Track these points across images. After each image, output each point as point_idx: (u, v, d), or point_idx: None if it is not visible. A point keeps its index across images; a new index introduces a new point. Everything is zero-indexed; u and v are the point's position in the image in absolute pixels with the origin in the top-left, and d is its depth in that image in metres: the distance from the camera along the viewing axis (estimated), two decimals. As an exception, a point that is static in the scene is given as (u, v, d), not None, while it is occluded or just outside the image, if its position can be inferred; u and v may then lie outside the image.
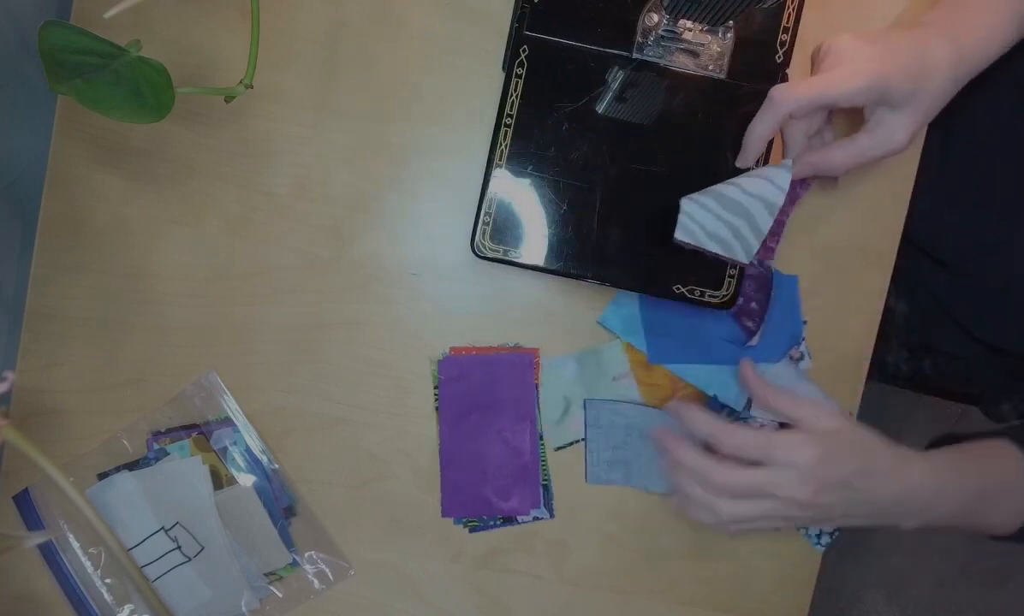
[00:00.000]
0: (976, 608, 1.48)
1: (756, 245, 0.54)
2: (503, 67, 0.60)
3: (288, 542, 0.64)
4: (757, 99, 0.56)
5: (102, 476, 0.63)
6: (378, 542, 0.65)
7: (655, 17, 0.55)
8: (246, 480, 0.63)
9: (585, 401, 0.64)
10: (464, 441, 0.64)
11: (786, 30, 0.56)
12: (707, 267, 0.56)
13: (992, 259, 0.65)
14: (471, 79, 0.62)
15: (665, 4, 0.51)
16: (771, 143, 0.56)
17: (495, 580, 0.66)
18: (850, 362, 0.64)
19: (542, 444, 0.64)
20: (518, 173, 0.56)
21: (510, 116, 0.56)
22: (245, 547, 0.63)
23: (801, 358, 0.63)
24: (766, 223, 0.53)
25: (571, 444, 0.65)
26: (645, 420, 0.64)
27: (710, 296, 0.57)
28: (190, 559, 0.63)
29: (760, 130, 0.54)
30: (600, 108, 0.57)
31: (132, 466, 0.63)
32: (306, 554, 0.64)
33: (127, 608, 0.63)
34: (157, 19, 0.60)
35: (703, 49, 0.56)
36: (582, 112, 0.56)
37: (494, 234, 0.57)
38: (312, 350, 0.63)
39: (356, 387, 0.64)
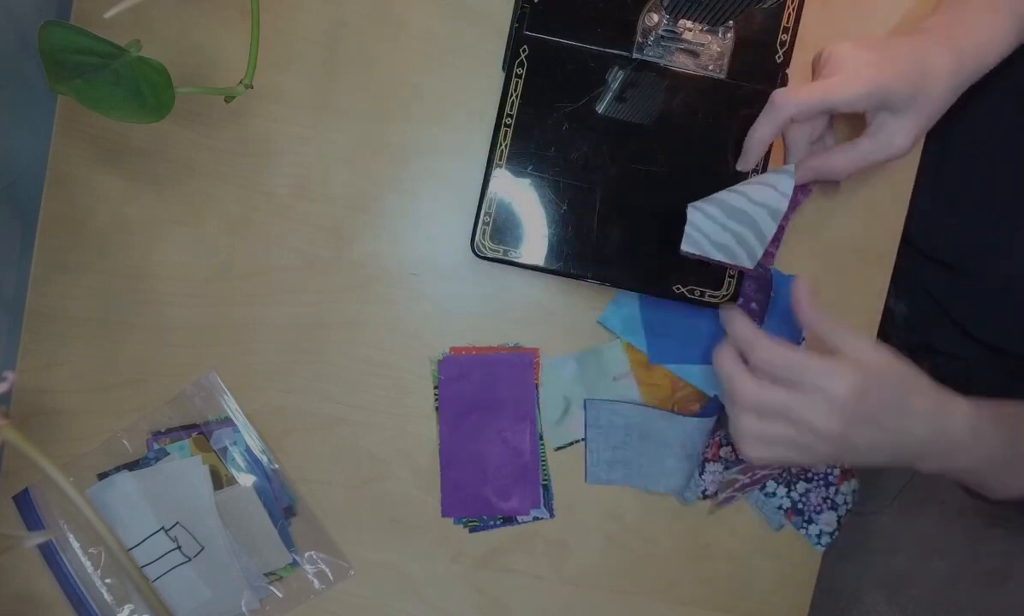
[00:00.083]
0: (976, 608, 1.48)
1: (760, 251, 0.54)
2: (503, 67, 0.60)
3: (288, 542, 0.64)
4: (757, 99, 0.56)
5: (102, 476, 0.63)
6: (378, 542, 0.65)
7: (655, 17, 0.55)
8: (246, 480, 0.63)
9: (585, 401, 0.64)
10: (464, 441, 0.64)
11: (786, 30, 0.56)
12: (707, 267, 0.56)
13: (992, 259, 0.65)
14: (471, 79, 0.62)
15: (665, 4, 0.51)
16: (771, 146, 0.56)
17: (495, 580, 0.66)
18: (850, 362, 0.64)
19: (542, 444, 0.64)
20: (518, 173, 0.56)
21: (510, 116, 0.56)
22: (245, 547, 0.63)
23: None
24: (770, 229, 0.53)
25: (571, 444, 0.65)
26: (645, 420, 0.64)
27: (710, 296, 0.57)
28: (190, 559, 0.63)
29: (761, 134, 0.54)
30: (600, 108, 0.57)
31: (132, 466, 0.63)
32: (306, 554, 0.64)
33: (127, 608, 0.63)
34: (157, 19, 0.60)
35: (703, 49, 0.56)
36: (582, 112, 0.56)
37: (494, 234, 0.57)
38: (312, 350, 0.63)
39: (356, 387, 0.64)
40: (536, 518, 0.65)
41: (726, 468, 0.63)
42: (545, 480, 0.65)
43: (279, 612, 0.65)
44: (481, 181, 0.57)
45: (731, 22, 0.55)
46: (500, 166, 0.56)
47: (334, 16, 0.61)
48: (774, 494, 0.65)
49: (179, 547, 0.63)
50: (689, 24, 0.55)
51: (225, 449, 0.63)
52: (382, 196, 0.63)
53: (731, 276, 0.57)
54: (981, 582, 1.48)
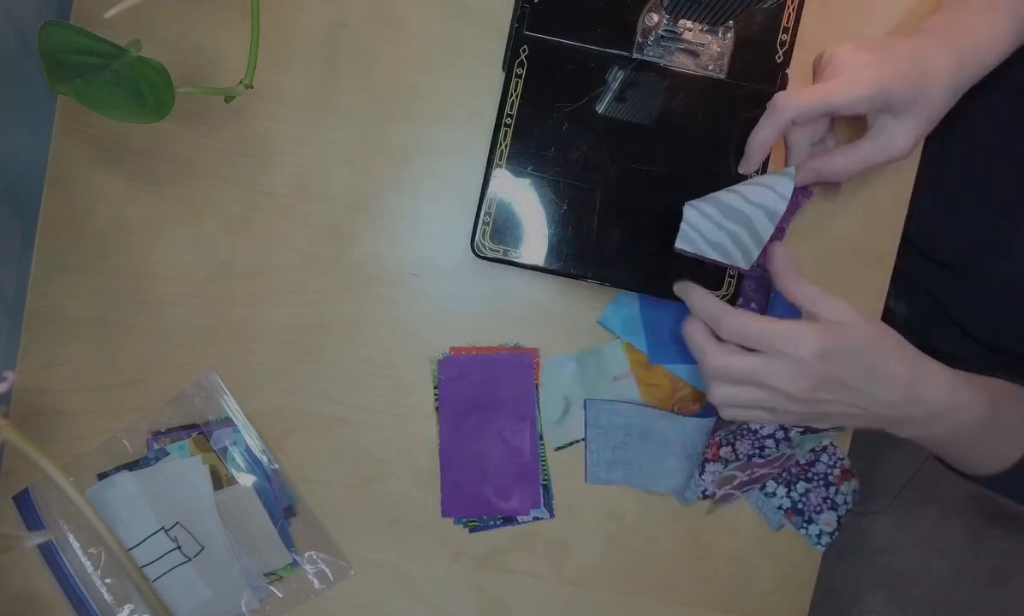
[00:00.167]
0: (976, 608, 1.48)
1: (756, 252, 0.54)
2: (503, 67, 0.60)
3: (288, 542, 0.64)
4: (757, 99, 0.56)
5: (102, 476, 0.63)
6: (378, 542, 0.65)
7: (655, 17, 0.55)
8: (246, 480, 0.63)
9: (585, 401, 0.64)
10: (464, 441, 0.64)
11: (786, 30, 0.56)
12: (707, 267, 0.56)
13: (992, 259, 0.65)
14: (471, 79, 0.62)
15: (665, 4, 0.51)
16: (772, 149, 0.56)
17: (495, 580, 0.66)
18: (850, 362, 0.64)
19: (542, 444, 0.64)
20: (518, 173, 0.56)
21: (510, 116, 0.56)
22: (245, 547, 0.63)
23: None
24: (767, 231, 0.53)
25: (571, 444, 0.65)
26: (645, 420, 0.64)
27: (710, 296, 0.57)
28: (190, 559, 0.63)
29: (762, 137, 0.54)
30: (600, 108, 0.57)
31: (132, 466, 0.63)
32: (306, 554, 0.64)
33: (127, 608, 0.63)
34: (157, 19, 0.60)
35: (703, 49, 0.56)
36: (582, 112, 0.56)
37: (494, 234, 0.57)
38: (312, 350, 0.63)
39: (356, 387, 0.64)
40: (536, 518, 0.65)
41: (726, 468, 0.63)
42: (545, 480, 0.65)
43: (279, 612, 0.65)
44: (481, 181, 0.57)
45: (731, 22, 0.55)
46: (500, 166, 0.56)
47: (334, 16, 0.61)
48: (774, 494, 0.65)
49: (179, 547, 0.63)
50: (689, 24, 0.55)
51: (225, 449, 0.63)
52: (382, 196, 0.63)
53: (731, 276, 0.57)
54: (981, 582, 1.49)
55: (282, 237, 0.62)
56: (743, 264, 0.54)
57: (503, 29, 0.61)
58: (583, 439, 0.65)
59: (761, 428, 0.62)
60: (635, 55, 0.56)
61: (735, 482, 0.64)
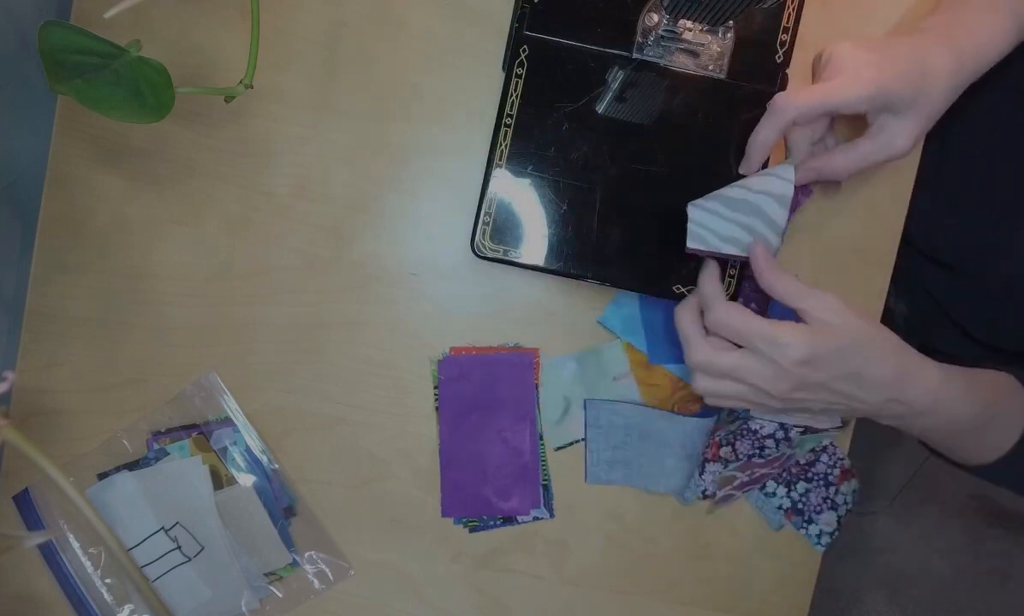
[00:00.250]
0: (976, 608, 1.48)
1: (777, 240, 0.54)
2: (503, 67, 0.60)
3: (288, 542, 0.64)
4: (757, 99, 0.56)
5: (102, 476, 0.63)
6: (378, 542, 0.65)
7: (655, 17, 0.55)
8: (246, 480, 0.63)
9: (585, 401, 0.64)
10: (464, 441, 0.64)
11: (786, 30, 0.56)
12: (703, 267, 0.56)
13: (992, 259, 0.65)
14: (471, 79, 0.62)
15: (665, 4, 0.51)
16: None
17: (495, 580, 0.66)
18: (850, 362, 0.64)
19: (542, 444, 0.64)
20: (518, 173, 0.56)
21: (510, 116, 0.56)
22: (245, 547, 0.63)
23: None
24: (781, 216, 0.53)
25: (571, 444, 0.65)
26: (645, 420, 0.64)
27: (710, 296, 0.57)
28: (190, 559, 0.63)
29: (763, 137, 0.54)
30: (600, 108, 0.57)
31: (132, 466, 0.63)
32: (306, 554, 0.64)
33: (127, 608, 0.63)
34: (157, 19, 0.60)
35: (703, 49, 0.56)
36: (582, 112, 0.56)
37: (494, 234, 0.57)
38: (312, 350, 0.63)
39: (356, 387, 0.64)
40: (536, 518, 0.65)
41: (726, 468, 0.63)
42: (545, 480, 0.65)
43: (279, 612, 0.65)
44: (481, 181, 0.57)
45: (731, 22, 0.55)
46: (500, 166, 0.56)
47: (334, 16, 0.61)
48: (774, 494, 0.65)
49: (179, 547, 0.63)
50: (689, 24, 0.55)
51: (225, 449, 0.63)
52: (382, 196, 0.63)
53: (731, 276, 0.57)
54: (981, 582, 1.48)
55: (282, 237, 0.62)
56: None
57: (503, 29, 0.61)
58: (583, 439, 0.65)
59: (761, 428, 0.62)
60: (635, 55, 0.56)
61: (735, 482, 0.64)
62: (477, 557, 0.65)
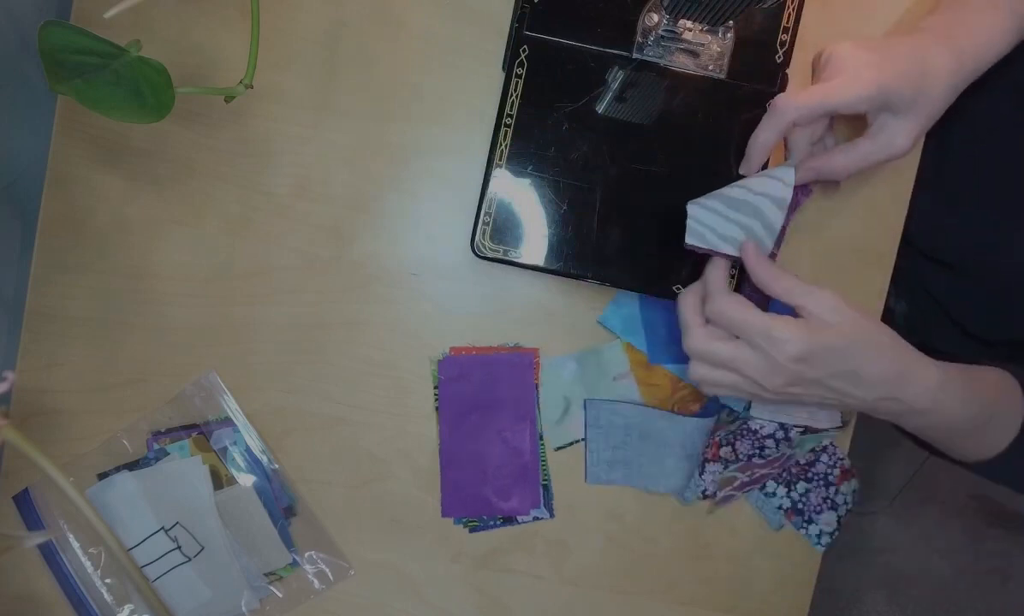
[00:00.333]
0: (976, 608, 1.48)
1: (771, 243, 0.54)
2: (503, 67, 0.60)
3: (288, 542, 0.64)
4: (757, 99, 0.56)
5: (102, 476, 0.63)
6: (378, 542, 0.65)
7: (655, 17, 0.55)
8: (246, 480, 0.63)
9: (585, 401, 0.64)
10: (464, 441, 0.64)
11: (786, 30, 0.56)
12: (704, 267, 0.56)
13: (991, 259, 0.65)
14: (471, 79, 0.62)
15: (665, 4, 0.51)
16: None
17: (495, 580, 0.66)
18: (850, 362, 0.64)
19: (542, 444, 0.64)
20: (518, 173, 0.56)
21: (510, 116, 0.56)
22: (245, 547, 0.63)
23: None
24: (778, 219, 0.53)
25: (571, 444, 0.65)
26: (645, 420, 0.64)
27: (710, 296, 0.57)
28: (190, 559, 0.63)
29: (763, 139, 0.54)
30: (600, 108, 0.57)
31: (132, 466, 0.63)
32: (306, 554, 0.64)
33: (127, 608, 0.63)
34: (157, 19, 0.60)
35: (703, 49, 0.56)
36: (582, 112, 0.56)
37: (494, 234, 0.57)
38: (312, 350, 0.63)
39: (356, 387, 0.64)
40: (536, 518, 0.65)
41: (726, 468, 0.63)
42: (545, 480, 0.65)
43: (279, 612, 0.65)
44: (481, 181, 0.57)
45: (731, 22, 0.55)
46: (500, 166, 0.56)
47: (334, 16, 0.61)
48: (774, 494, 0.65)
49: (179, 547, 0.63)
50: (689, 24, 0.55)
51: (225, 449, 0.63)
52: (382, 196, 0.63)
53: (731, 276, 0.57)
54: (981, 582, 1.48)
55: (282, 237, 0.62)
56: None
57: (503, 29, 0.61)
58: (583, 439, 0.65)
59: (761, 428, 0.62)
60: (635, 55, 0.56)
61: (735, 483, 0.64)
62: (477, 557, 0.65)
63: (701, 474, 0.63)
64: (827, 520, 0.66)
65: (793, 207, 0.62)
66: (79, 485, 0.62)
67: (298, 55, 0.61)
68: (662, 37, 0.56)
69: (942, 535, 1.47)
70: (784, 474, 0.65)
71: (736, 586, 0.66)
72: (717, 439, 0.63)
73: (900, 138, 0.53)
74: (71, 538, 0.63)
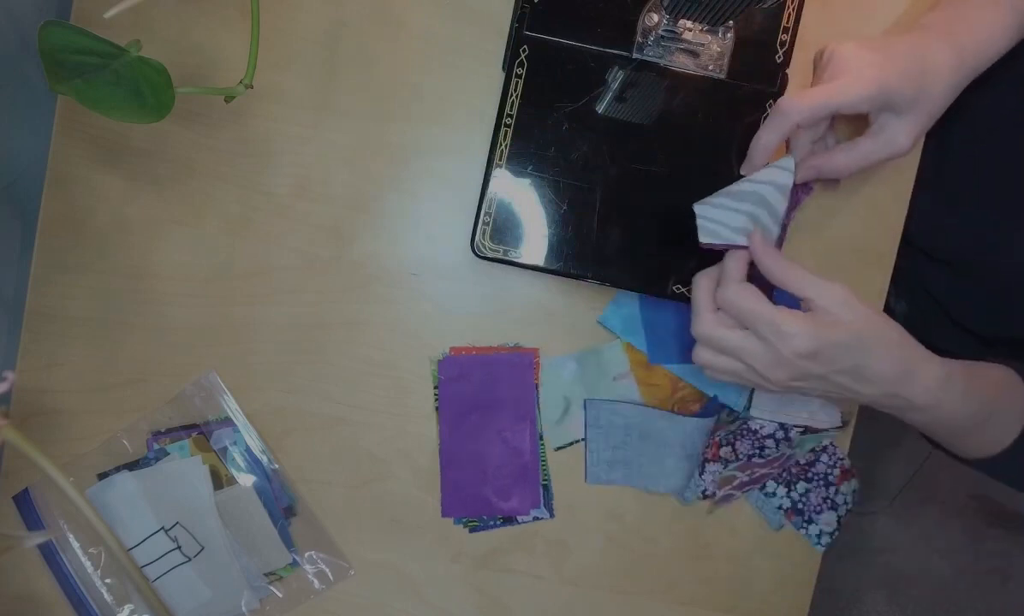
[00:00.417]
0: (976, 608, 1.48)
1: (776, 230, 0.53)
2: (503, 67, 0.60)
3: (288, 542, 0.64)
4: (757, 99, 0.56)
5: (102, 476, 0.63)
6: (378, 542, 0.65)
7: (655, 17, 0.55)
8: (246, 480, 0.63)
9: (585, 401, 0.64)
10: (464, 441, 0.64)
11: (786, 30, 0.56)
12: (705, 266, 0.56)
13: (992, 258, 0.65)
14: (471, 79, 0.62)
15: (665, 4, 0.51)
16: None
17: (495, 580, 0.66)
18: (850, 362, 0.64)
19: (542, 444, 0.64)
20: (518, 173, 0.56)
21: (510, 116, 0.56)
22: (245, 547, 0.63)
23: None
24: (781, 205, 0.53)
25: (571, 444, 0.65)
26: (645, 420, 0.64)
27: (710, 296, 0.57)
28: (190, 559, 0.63)
29: (766, 141, 0.54)
30: (600, 108, 0.57)
31: (132, 466, 0.63)
32: (306, 554, 0.64)
33: (127, 608, 0.63)
34: (157, 19, 0.60)
35: (703, 49, 0.56)
36: (582, 112, 0.56)
37: (494, 234, 0.57)
38: (312, 350, 0.63)
39: (356, 387, 0.64)
40: (536, 518, 0.65)
41: (726, 468, 0.63)
42: (545, 480, 0.65)
43: (279, 612, 0.65)
44: (481, 181, 0.57)
45: (731, 22, 0.55)
46: (500, 166, 0.56)
47: (334, 16, 0.61)
48: (774, 494, 0.65)
49: (179, 547, 0.63)
50: (689, 24, 0.55)
51: (225, 449, 0.63)
52: (382, 196, 0.63)
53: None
54: (981, 582, 1.48)
55: (282, 237, 0.62)
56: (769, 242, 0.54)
57: (503, 29, 0.61)
58: (583, 439, 0.65)
59: (761, 428, 0.62)
60: (635, 55, 0.56)
61: (735, 482, 0.64)
62: (477, 557, 0.65)
63: (701, 474, 0.63)
64: (827, 520, 0.66)
65: (794, 205, 0.62)
66: (79, 485, 0.62)
67: (298, 55, 0.61)
68: (662, 37, 0.56)
69: (942, 535, 1.47)
70: (784, 474, 0.65)
71: (736, 586, 0.66)
72: (717, 439, 0.63)
73: (901, 137, 0.53)
74: (71, 538, 0.63)
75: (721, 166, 0.57)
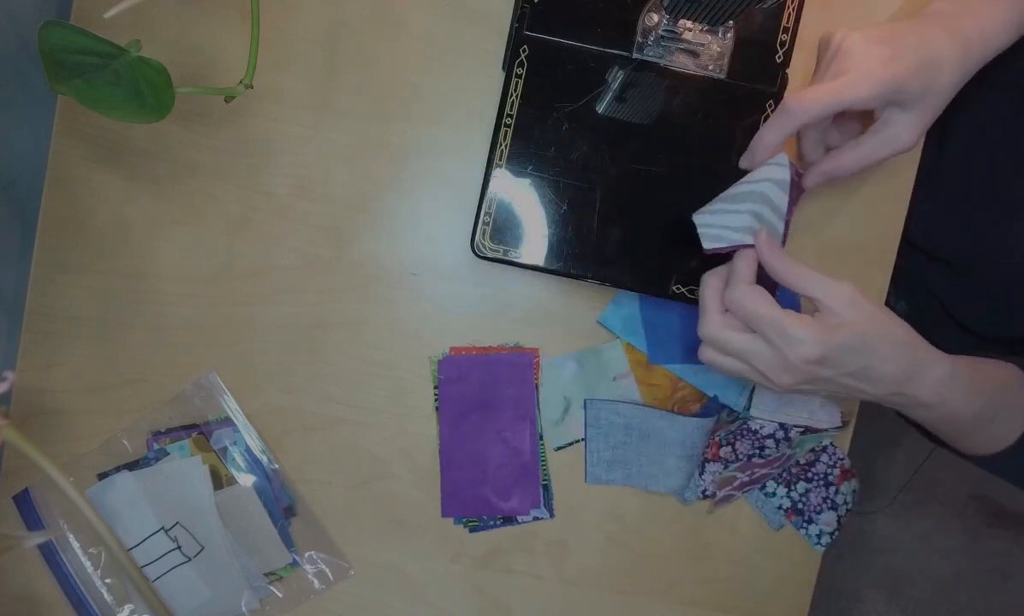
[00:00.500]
0: (976, 608, 1.48)
1: (781, 226, 0.53)
2: (503, 67, 0.60)
3: (288, 542, 0.64)
4: (757, 99, 0.56)
5: (102, 476, 0.63)
6: (378, 542, 0.65)
7: (655, 17, 0.55)
8: (246, 480, 0.63)
9: (585, 401, 0.64)
10: (464, 441, 0.64)
11: (786, 30, 0.56)
12: (707, 266, 0.56)
13: (992, 258, 0.65)
14: (471, 79, 0.62)
15: (665, 4, 0.51)
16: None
17: (495, 580, 0.66)
18: (850, 362, 0.64)
19: (542, 444, 0.64)
20: (518, 173, 0.56)
21: (510, 116, 0.56)
22: (245, 547, 0.63)
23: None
24: (782, 201, 0.53)
25: (571, 444, 0.65)
26: (645, 420, 0.64)
27: (710, 296, 0.57)
28: (190, 559, 0.63)
29: (770, 139, 0.53)
30: (600, 108, 0.57)
31: (132, 466, 0.63)
32: (306, 554, 0.64)
33: (127, 608, 0.63)
34: (157, 19, 0.60)
35: (703, 49, 0.56)
36: (582, 112, 0.56)
37: (494, 234, 0.57)
38: (312, 350, 0.63)
39: (356, 387, 0.64)
40: (536, 518, 0.65)
41: (726, 468, 0.63)
42: (545, 480, 0.65)
43: (279, 612, 0.65)
44: (481, 181, 0.57)
45: (731, 22, 0.55)
46: (500, 166, 0.56)
47: (334, 16, 0.61)
48: (774, 494, 0.65)
49: (179, 547, 0.63)
50: (689, 24, 0.55)
51: (225, 449, 0.63)
52: (382, 196, 0.63)
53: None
54: (981, 582, 1.49)
55: (282, 237, 0.62)
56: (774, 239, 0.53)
57: (503, 29, 0.61)
58: (583, 439, 0.65)
59: (761, 428, 0.62)
60: (635, 55, 0.56)
61: (735, 482, 0.64)
62: (477, 557, 0.65)
63: (701, 474, 0.63)
64: (827, 520, 0.66)
65: (794, 200, 0.62)
66: (79, 485, 0.62)
67: (298, 55, 0.61)
68: (662, 37, 0.56)
69: (942, 535, 1.47)
70: (784, 474, 0.65)
71: (736, 586, 0.66)
72: (717, 439, 0.63)
73: (905, 133, 0.53)
74: (71, 538, 0.63)
75: (721, 166, 0.57)
